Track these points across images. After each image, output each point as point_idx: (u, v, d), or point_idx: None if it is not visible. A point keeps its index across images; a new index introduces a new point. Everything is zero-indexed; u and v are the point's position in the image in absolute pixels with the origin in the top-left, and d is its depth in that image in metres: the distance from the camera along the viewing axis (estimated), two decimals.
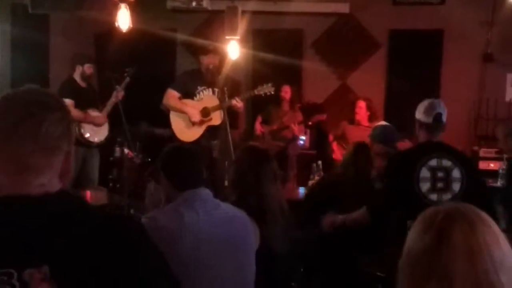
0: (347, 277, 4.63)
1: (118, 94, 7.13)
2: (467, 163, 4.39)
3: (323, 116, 8.07)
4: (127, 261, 1.53)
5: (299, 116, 8.14)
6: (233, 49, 7.20)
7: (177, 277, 1.72)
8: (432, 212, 1.64)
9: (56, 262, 1.43)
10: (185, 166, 3.22)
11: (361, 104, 7.84)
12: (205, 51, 6.95)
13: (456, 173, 4.20)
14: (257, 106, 8.49)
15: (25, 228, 1.46)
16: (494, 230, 1.60)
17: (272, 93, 7.13)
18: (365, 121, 7.81)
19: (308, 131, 8.41)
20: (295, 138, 8.07)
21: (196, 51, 7.60)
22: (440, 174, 4.18)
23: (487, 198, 4.45)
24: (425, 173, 4.15)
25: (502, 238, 1.60)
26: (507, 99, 9.19)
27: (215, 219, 3.07)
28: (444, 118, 4.33)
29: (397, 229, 4.02)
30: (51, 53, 9.31)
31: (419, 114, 4.33)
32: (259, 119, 8.24)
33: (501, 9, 8.74)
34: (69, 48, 8.10)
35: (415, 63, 9.18)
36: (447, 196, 4.20)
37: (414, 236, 1.63)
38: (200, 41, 7.96)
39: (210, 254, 2.98)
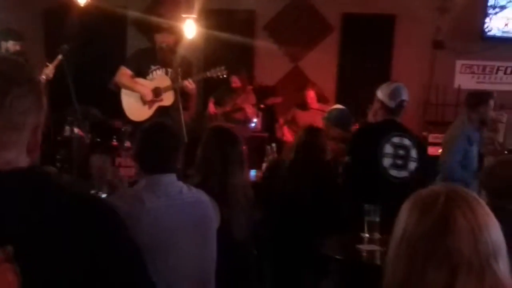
0: (301, 261, 4.62)
1: (47, 72, 6.77)
2: (422, 146, 4.63)
3: (278, 99, 8.06)
4: (99, 245, 1.44)
5: (253, 99, 8.08)
6: (190, 28, 7.06)
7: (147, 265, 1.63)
8: (429, 194, 1.60)
9: (21, 243, 1.33)
10: (155, 149, 3.10)
11: (311, 93, 7.91)
12: (159, 29, 6.79)
13: (413, 153, 4.41)
14: (209, 88, 8.39)
15: None
16: (488, 211, 1.59)
17: (225, 76, 7.04)
18: (315, 104, 7.86)
19: (260, 113, 8.35)
20: (248, 120, 8.02)
21: (149, 30, 7.43)
22: (400, 152, 4.38)
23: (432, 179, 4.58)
24: (388, 149, 4.35)
25: (494, 219, 1.59)
26: (456, 85, 9.33)
27: (177, 204, 3.02)
28: (405, 104, 4.41)
29: (354, 209, 4.10)
30: None
31: (383, 96, 4.45)
32: (212, 100, 8.14)
33: None
34: (17, 24, 7.82)
35: (367, 47, 9.23)
36: (404, 174, 4.43)
37: (410, 219, 1.58)
38: (154, 19, 7.79)
39: (171, 239, 2.94)
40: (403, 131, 4.48)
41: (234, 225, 3.58)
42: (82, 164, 6.46)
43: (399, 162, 4.36)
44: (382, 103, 4.48)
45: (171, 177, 3.08)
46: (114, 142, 7.35)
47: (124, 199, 2.96)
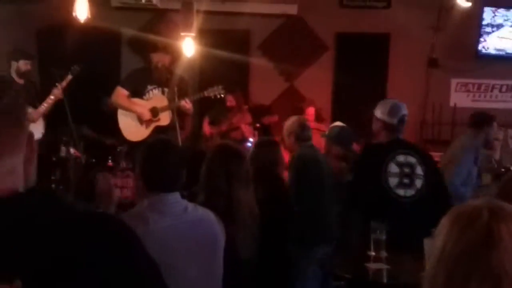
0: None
1: (57, 92, 6.82)
2: (428, 160, 4.53)
3: (275, 118, 8.02)
4: (116, 266, 1.33)
5: (248, 118, 8.05)
6: (188, 47, 7.02)
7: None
8: (471, 209, 1.54)
9: (30, 276, 1.23)
10: (161, 166, 3.01)
11: (311, 110, 7.92)
12: (155, 48, 6.76)
13: (419, 170, 4.35)
14: (204, 107, 8.33)
15: None
16: None
17: (223, 96, 7.00)
18: (312, 123, 7.84)
19: (256, 132, 8.30)
20: (244, 139, 7.97)
21: (145, 49, 7.39)
22: (406, 170, 4.33)
23: (446, 195, 4.52)
24: (393, 168, 4.29)
25: None
26: (452, 104, 9.32)
27: (182, 223, 2.93)
28: (406, 119, 4.39)
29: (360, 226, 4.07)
30: None
31: (382, 114, 4.41)
32: (207, 120, 8.10)
33: (447, 14, 8.87)
34: (11, 43, 7.76)
35: (362, 66, 9.21)
36: (411, 192, 4.36)
37: (451, 234, 1.51)
38: (149, 38, 7.75)
39: (177, 260, 2.84)
40: (408, 149, 4.44)
41: (240, 243, 3.50)
42: (80, 184, 6.38)
43: (406, 181, 4.31)
44: (383, 122, 4.42)
45: (176, 196, 3.00)
46: (110, 163, 7.28)
47: (128, 219, 2.88)
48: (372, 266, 3.94)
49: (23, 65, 6.91)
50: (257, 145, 4.90)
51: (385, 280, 3.93)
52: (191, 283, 2.92)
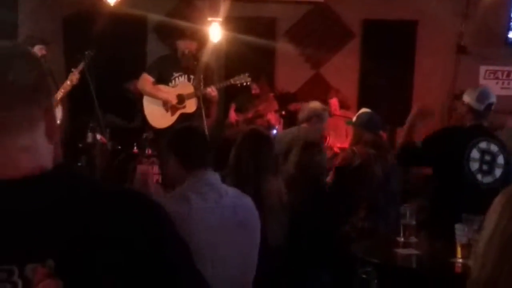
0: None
1: (73, 77, 6.76)
2: (508, 151, 4.55)
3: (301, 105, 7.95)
4: (149, 252, 1.28)
5: (275, 105, 8.02)
6: (216, 32, 6.99)
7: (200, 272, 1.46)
8: None
9: (62, 256, 1.19)
10: (196, 144, 3.06)
11: (334, 101, 7.98)
12: (182, 35, 6.73)
13: (500, 160, 4.40)
14: (230, 94, 8.31)
15: (24, 218, 1.22)
16: None
17: (249, 83, 6.98)
18: (337, 111, 7.84)
19: (282, 120, 8.25)
20: (270, 127, 7.93)
21: (171, 36, 7.36)
22: (487, 158, 4.36)
23: None
24: (475, 153, 4.32)
25: None
26: None
27: (223, 206, 2.94)
28: (493, 107, 4.48)
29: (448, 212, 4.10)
30: (20, 35, 8.96)
31: (470, 99, 4.47)
32: (233, 106, 8.08)
33: (476, 1, 8.72)
34: (38, 30, 7.78)
35: (389, 53, 9.10)
36: (488, 180, 4.37)
37: (504, 214, 1.52)
38: (176, 24, 7.71)
39: (216, 240, 2.86)
40: (490, 136, 4.46)
41: (269, 231, 3.48)
42: (106, 171, 6.41)
43: (485, 167, 4.33)
44: (469, 107, 4.45)
45: (216, 176, 3.00)
46: (135, 150, 7.29)
47: (171, 200, 2.86)
48: (401, 251, 3.89)
49: (38, 50, 6.86)
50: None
51: (414, 266, 3.89)
52: (227, 266, 2.93)
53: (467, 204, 3.97)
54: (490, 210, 1.57)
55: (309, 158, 5.02)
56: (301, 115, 5.66)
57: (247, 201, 3.10)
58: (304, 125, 5.54)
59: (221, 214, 2.91)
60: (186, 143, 3.06)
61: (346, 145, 6.42)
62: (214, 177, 3.00)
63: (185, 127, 3.20)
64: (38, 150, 1.30)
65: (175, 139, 3.12)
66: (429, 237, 4.10)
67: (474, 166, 4.31)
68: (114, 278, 1.22)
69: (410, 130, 4.56)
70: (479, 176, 4.31)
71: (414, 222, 3.96)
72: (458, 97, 4.96)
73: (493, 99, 4.47)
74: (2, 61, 1.30)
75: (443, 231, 3.89)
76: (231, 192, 3.04)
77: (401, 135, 4.79)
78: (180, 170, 3.00)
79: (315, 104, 5.76)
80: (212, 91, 6.60)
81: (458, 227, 3.54)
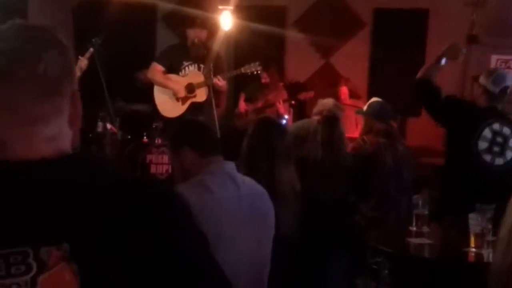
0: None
1: (81, 64, 6.71)
2: None
3: (311, 94, 7.92)
4: (165, 243, 1.27)
5: (284, 94, 8.00)
6: (226, 20, 6.96)
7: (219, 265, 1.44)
8: None
9: (77, 240, 1.19)
10: (205, 131, 3.12)
11: (344, 90, 8.01)
12: (192, 24, 6.70)
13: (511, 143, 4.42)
14: (240, 84, 8.28)
15: (41, 200, 1.21)
16: None
17: (259, 72, 6.95)
18: (347, 100, 7.82)
19: (292, 110, 8.23)
20: (279, 117, 7.91)
21: (181, 25, 7.33)
22: (499, 139, 4.38)
23: None
24: (487, 133, 4.36)
25: None
26: None
27: (241, 195, 2.93)
28: (509, 91, 4.47)
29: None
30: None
31: (486, 81, 4.50)
32: (243, 96, 8.05)
33: None
34: (47, 20, 7.77)
35: (400, 42, 9.03)
36: (499, 161, 4.41)
37: None
38: (186, 13, 7.68)
39: (234, 229, 2.85)
40: (504, 119, 4.48)
41: (281, 220, 3.45)
42: (116, 161, 6.39)
43: (496, 148, 4.36)
44: (485, 88, 4.48)
45: (232, 166, 3.01)
46: (145, 139, 7.28)
47: (190, 187, 2.84)
48: (413, 241, 3.88)
49: None
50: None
51: (426, 255, 3.88)
52: (244, 253, 2.92)
53: (479, 186, 4.00)
54: (511, 200, 1.55)
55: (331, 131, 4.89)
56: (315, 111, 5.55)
57: (263, 190, 3.09)
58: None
59: (240, 203, 2.91)
60: (196, 131, 3.08)
61: (356, 134, 6.38)
62: (230, 165, 2.99)
63: (187, 120, 3.25)
64: (61, 138, 1.31)
65: (184, 130, 3.13)
66: (441, 226, 4.08)
67: (482, 145, 4.32)
68: (128, 267, 1.22)
69: (434, 65, 4.55)
70: (486, 157, 4.33)
71: (426, 212, 3.95)
72: (476, 78, 4.92)
73: (509, 83, 4.47)
74: (34, 52, 1.28)
75: (455, 218, 3.87)
76: (247, 181, 3.03)
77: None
78: (195, 158, 2.97)
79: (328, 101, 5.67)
80: (219, 81, 6.57)
81: (471, 216, 3.52)
